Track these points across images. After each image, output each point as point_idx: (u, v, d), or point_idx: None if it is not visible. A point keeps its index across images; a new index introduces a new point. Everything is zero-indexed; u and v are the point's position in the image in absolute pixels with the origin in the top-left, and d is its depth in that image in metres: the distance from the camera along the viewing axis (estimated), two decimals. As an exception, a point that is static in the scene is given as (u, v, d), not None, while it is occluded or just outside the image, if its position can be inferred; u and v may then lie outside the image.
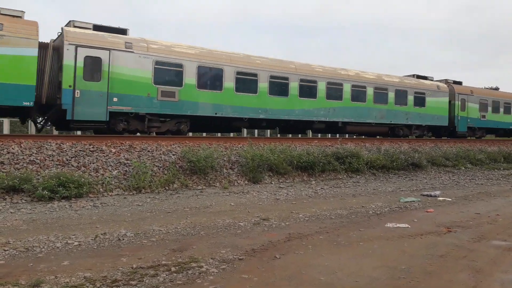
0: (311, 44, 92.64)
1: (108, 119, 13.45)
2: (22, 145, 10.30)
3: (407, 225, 7.38)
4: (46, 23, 35.44)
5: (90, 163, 10.34)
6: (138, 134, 14.87)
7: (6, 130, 19.92)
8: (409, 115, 22.02)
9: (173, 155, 11.77)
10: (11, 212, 7.70)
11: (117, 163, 10.68)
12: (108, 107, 13.42)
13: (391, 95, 21.16)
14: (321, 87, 18.54)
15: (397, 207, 9.27)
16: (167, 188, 10.46)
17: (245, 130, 24.80)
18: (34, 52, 12.28)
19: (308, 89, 18.13)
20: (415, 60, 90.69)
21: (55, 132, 20.29)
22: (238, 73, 16.16)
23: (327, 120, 18.86)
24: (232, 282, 4.49)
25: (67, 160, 10.23)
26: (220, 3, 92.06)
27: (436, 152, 18.31)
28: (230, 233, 6.63)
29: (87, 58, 13.09)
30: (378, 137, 21.98)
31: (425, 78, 24.16)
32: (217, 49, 16.47)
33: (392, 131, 22.12)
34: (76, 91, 12.86)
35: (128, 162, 10.80)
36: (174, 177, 10.85)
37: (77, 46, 12.95)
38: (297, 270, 4.89)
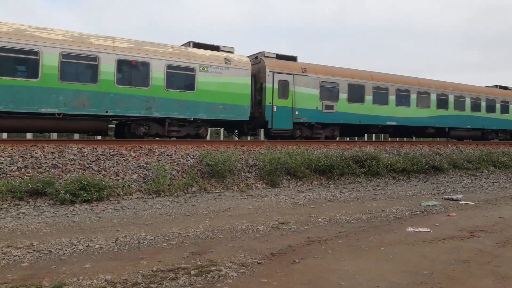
0: (328, 48, 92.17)
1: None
2: (45, 149, 10.53)
3: (428, 230, 7.25)
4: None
5: (111, 167, 10.50)
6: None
7: (29, 135, 20.38)
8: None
9: (192, 158, 11.85)
10: (34, 215, 7.87)
11: (137, 166, 10.82)
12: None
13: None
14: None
15: (418, 211, 9.11)
16: (186, 191, 10.53)
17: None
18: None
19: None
20: (431, 63, 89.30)
21: (76, 137, 20.70)
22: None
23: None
24: (251, 286, 4.48)
25: (88, 164, 10.40)
26: (235, 9, 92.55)
27: (458, 155, 17.96)
28: (249, 236, 6.63)
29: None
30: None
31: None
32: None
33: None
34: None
35: (148, 165, 10.92)
36: (193, 180, 10.93)
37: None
38: (317, 275, 4.84)
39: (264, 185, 11.90)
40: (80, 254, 5.54)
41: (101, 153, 10.98)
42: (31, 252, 5.53)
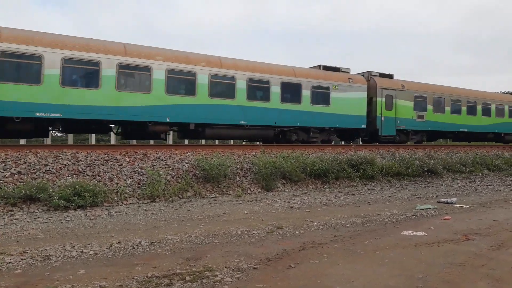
0: (322, 50, 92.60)
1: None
2: (38, 155, 10.46)
3: (423, 233, 7.26)
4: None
5: (105, 172, 10.45)
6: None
7: (22, 141, 20.26)
8: None
9: (187, 163, 11.82)
10: (28, 221, 7.80)
11: (132, 172, 10.77)
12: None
13: None
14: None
15: (413, 214, 9.13)
16: (180, 196, 10.49)
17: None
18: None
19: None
20: (426, 65, 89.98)
21: (70, 141, 20.59)
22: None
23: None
24: (246, 292, 4.46)
25: (82, 169, 10.35)
26: (231, 13, 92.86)
27: (452, 158, 18.04)
28: (244, 241, 6.61)
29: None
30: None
31: None
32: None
33: None
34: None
35: (142, 170, 10.87)
36: (188, 185, 10.89)
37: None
38: (312, 279, 4.83)
39: (259, 190, 11.89)
40: (74, 261, 5.49)
41: (95, 158, 10.92)
42: (25, 259, 5.48)
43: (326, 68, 19.52)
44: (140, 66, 13.76)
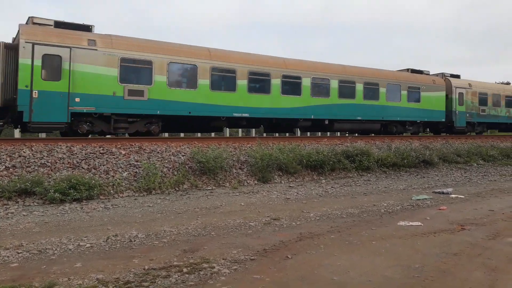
0: (316, 43, 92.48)
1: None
2: (33, 148, 10.39)
3: (419, 223, 7.30)
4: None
5: (101, 165, 10.40)
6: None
7: (16, 134, 20.12)
8: None
9: (183, 156, 11.79)
10: (23, 215, 7.77)
11: (127, 164, 10.73)
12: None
13: None
14: None
15: (409, 205, 9.17)
16: (177, 189, 10.48)
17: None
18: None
19: None
20: (421, 58, 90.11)
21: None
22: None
23: None
24: (244, 283, 4.47)
25: (78, 162, 10.29)
26: (224, 5, 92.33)
27: (448, 148, 18.11)
28: (241, 233, 6.61)
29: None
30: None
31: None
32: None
33: None
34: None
35: (138, 163, 10.84)
36: (184, 177, 10.87)
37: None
38: (309, 270, 4.85)
39: (256, 182, 11.89)
40: (71, 254, 5.48)
41: (91, 152, 10.87)
42: (21, 253, 5.45)
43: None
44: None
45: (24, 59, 12.13)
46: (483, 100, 25.24)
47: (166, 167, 11.08)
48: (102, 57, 13.32)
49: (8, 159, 9.72)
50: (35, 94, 12.26)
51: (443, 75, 24.51)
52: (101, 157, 10.75)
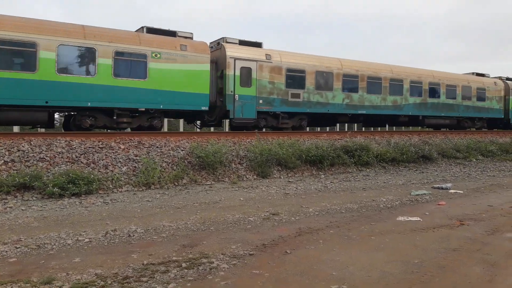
0: (313, 39, 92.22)
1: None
2: (32, 142, 10.36)
3: (418, 219, 7.30)
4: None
5: (100, 160, 10.38)
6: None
7: (16, 128, 20.06)
8: None
9: (182, 150, 11.77)
10: (22, 210, 7.76)
11: (126, 159, 10.70)
12: None
13: None
14: None
15: (408, 200, 9.17)
16: (176, 183, 10.46)
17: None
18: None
19: None
20: (419, 55, 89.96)
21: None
22: None
23: None
24: (243, 278, 4.46)
25: (77, 157, 10.27)
26: (221, 0, 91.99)
27: (447, 144, 18.11)
28: (240, 228, 6.61)
29: None
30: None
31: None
32: None
33: None
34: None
35: (137, 158, 10.82)
36: (183, 172, 10.85)
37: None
38: (309, 265, 4.84)
39: (255, 177, 11.88)
40: (69, 249, 5.47)
41: (90, 146, 10.84)
42: (19, 247, 5.44)
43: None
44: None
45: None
46: None
47: (165, 161, 11.06)
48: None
49: (7, 153, 9.69)
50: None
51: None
52: (100, 151, 10.73)
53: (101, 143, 11.14)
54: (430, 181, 12.28)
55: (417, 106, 21.88)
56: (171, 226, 6.65)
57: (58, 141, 10.69)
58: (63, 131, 14.21)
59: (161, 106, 14.34)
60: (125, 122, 14.09)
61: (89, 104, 13.03)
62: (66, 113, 14.26)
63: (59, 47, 12.51)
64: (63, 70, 12.62)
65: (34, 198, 8.55)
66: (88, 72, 13.04)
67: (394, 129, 28.81)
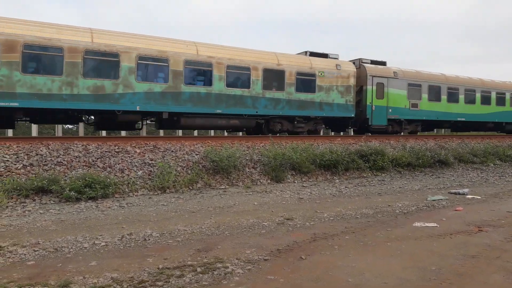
0: (326, 40, 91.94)
1: None
2: (50, 147, 10.53)
3: (435, 224, 7.19)
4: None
5: (116, 164, 10.49)
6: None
7: (34, 133, 20.44)
8: None
9: (196, 154, 11.83)
10: (40, 213, 7.88)
11: (142, 163, 10.81)
12: None
13: None
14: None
15: (424, 205, 9.05)
16: (191, 187, 10.52)
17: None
18: None
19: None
20: (432, 55, 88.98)
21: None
22: None
23: None
24: (258, 284, 4.45)
25: (93, 161, 10.40)
26: (233, 3, 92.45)
27: (463, 148, 17.83)
28: (255, 233, 6.60)
29: None
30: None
31: None
32: None
33: None
34: None
35: (153, 162, 10.91)
36: (198, 176, 10.90)
37: None
38: (324, 271, 4.81)
39: (269, 181, 11.86)
40: (86, 252, 5.53)
41: (106, 150, 10.97)
42: (37, 250, 5.53)
43: None
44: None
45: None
46: None
47: (180, 165, 11.13)
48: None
49: (25, 157, 9.87)
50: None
51: None
52: (116, 155, 10.85)
53: (117, 147, 11.27)
54: (447, 186, 12.10)
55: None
56: (186, 230, 6.68)
57: (75, 145, 10.85)
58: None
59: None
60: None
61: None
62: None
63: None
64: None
65: (52, 202, 8.68)
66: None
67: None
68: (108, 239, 6.13)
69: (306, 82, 17.43)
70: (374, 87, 19.33)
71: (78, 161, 10.26)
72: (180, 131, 22.77)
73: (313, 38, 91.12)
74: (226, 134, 23.23)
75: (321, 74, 17.73)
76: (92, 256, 5.37)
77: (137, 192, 9.79)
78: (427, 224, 7.21)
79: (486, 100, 23.76)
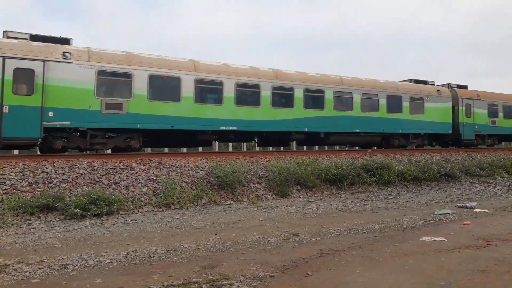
0: (328, 57, 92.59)
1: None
2: (55, 164, 10.58)
3: (443, 239, 7.10)
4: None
5: (121, 181, 10.51)
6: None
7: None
8: None
9: (201, 170, 11.83)
10: (45, 230, 7.87)
11: (147, 179, 10.81)
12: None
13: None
14: None
15: (431, 219, 8.95)
16: (195, 203, 10.48)
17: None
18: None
19: None
20: (436, 70, 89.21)
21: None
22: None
23: None
24: (264, 300, 4.39)
25: (98, 178, 10.42)
26: (236, 19, 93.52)
27: (469, 161, 17.70)
28: (260, 249, 6.54)
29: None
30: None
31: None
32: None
33: None
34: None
35: (157, 178, 10.91)
36: (202, 192, 10.88)
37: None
38: None
39: (274, 196, 11.81)
40: (91, 269, 5.50)
41: (111, 167, 11.00)
42: (42, 268, 5.51)
43: None
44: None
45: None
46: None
47: (184, 181, 11.13)
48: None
49: (31, 175, 9.92)
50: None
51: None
52: (121, 172, 10.87)
53: (122, 164, 11.30)
54: (454, 200, 11.98)
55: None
56: (191, 247, 6.63)
57: (80, 163, 10.89)
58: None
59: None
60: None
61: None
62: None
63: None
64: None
65: (57, 219, 8.68)
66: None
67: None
68: (113, 256, 6.10)
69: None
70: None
71: (83, 178, 10.28)
72: (185, 148, 22.86)
73: (316, 54, 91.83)
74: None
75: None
76: (97, 273, 5.33)
77: (142, 208, 9.77)
78: (434, 239, 7.12)
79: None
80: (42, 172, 10.12)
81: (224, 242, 6.97)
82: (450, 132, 22.12)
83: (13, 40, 12.63)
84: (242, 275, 5.17)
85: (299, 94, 17.27)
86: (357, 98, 18.95)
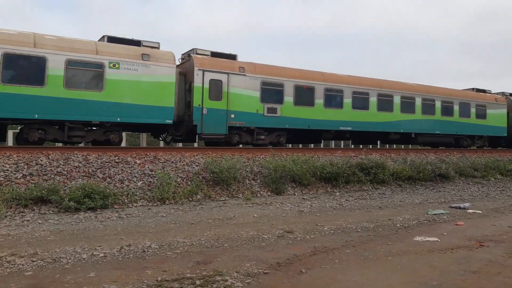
0: (324, 56, 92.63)
1: None
2: (50, 156, 10.53)
3: (436, 239, 7.15)
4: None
5: (116, 174, 10.47)
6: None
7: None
8: None
9: (196, 166, 11.81)
10: (39, 223, 7.84)
11: (142, 174, 10.79)
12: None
13: None
14: None
15: (425, 219, 9.00)
16: (190, 199, 10.48)
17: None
18: None
19: None
20: (431, 71, 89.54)
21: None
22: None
23: None
24: (257, 297, 4.40)
25: (93, 171, 10.39)
26: (231, 17, 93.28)
27: (464, 162, 17.80)
28: (254, 245, 6.56)
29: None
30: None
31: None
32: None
33: None
34: None
35: (153, 173, 10.89)
36: (198, 188, 10.87)
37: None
38: (324, 286, 4.76)
39: (269, 193, 11.83)
40: (84, 263, 5.49)
41: (106, 161, 10.96)
42: (35, 261, 5.49)
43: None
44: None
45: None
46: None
47: (180, 177, 11.11)
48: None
49: (25, 167, 9.87)
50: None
51: None
52: (116, 166, 10.84)
53: (117, 157, 11.26)
54: (448, 200, 12.05)
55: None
56: (185, 242, 6.63)
57: (75, 156, 10.85)
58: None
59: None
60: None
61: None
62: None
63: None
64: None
65: (51, 212, 8.64)
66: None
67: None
68: (107, 250, 6.09)
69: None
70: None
71: (78, 171, 10.24)
72: (181, 143, 22.84)
73: (312, 53, 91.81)
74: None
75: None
76: (90, 267, 5.32)
77: (137, 203, 9.76)
78: (428, 239, 7.16)
79: None
80: (37, 164, 10.07)
81: (219, 238, 6.97)
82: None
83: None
84: (236, 272, 5.18)
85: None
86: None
